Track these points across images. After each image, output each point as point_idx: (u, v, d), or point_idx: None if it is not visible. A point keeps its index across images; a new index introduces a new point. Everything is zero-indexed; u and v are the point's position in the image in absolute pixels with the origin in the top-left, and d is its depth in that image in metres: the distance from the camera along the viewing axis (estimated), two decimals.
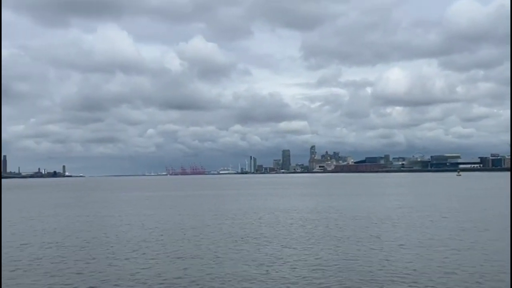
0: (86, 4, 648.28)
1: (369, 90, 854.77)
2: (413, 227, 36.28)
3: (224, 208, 58.46)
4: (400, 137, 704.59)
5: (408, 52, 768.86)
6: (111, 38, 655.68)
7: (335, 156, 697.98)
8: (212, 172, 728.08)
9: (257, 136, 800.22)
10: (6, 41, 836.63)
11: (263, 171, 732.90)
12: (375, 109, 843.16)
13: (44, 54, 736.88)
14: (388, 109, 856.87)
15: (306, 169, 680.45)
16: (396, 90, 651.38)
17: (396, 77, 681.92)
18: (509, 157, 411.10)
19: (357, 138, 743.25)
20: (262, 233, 34.54)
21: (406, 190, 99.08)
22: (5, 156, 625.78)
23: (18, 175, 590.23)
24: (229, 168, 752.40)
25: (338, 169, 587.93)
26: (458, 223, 38.33)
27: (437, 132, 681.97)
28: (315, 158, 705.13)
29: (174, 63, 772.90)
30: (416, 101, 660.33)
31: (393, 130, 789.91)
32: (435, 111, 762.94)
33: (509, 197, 62.32)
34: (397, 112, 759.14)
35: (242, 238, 32.32)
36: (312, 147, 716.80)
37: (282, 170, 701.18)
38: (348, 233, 33.43)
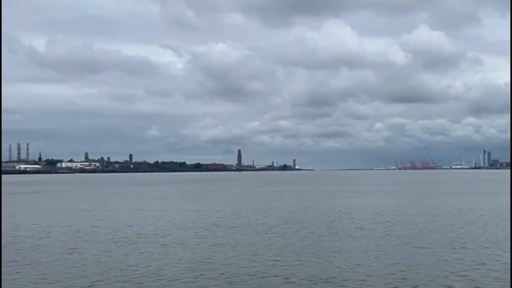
0: (310, 3, 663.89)
1: None
2: None
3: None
4: None
5: None
6: (335, 34, 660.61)
7: None
8: (443, 167, 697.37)
9: (493, 129, 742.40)
10: (238, 43, 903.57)
11: (498, 166, 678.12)
12: None
13: (272, 54, 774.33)
14: None
15: None
16: None
17: None
18: None
19: None
20: None
21: None
22: (239, 150, 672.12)
23: (252, 168, 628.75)
24: (462, 163, 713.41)
25: None
26: None
27: None
28: None
29: (398, 55, 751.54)
30: None
31: None
32: None
33: None
34: None
35: None
36: None
37: None
38: None
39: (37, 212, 48.98)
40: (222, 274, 20.27)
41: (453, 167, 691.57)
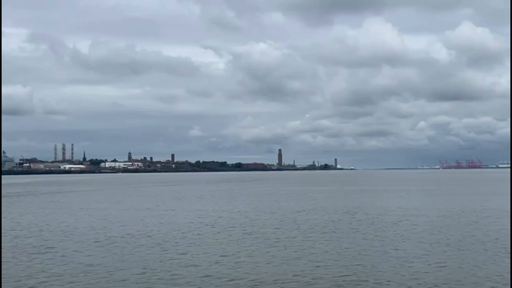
0: (350, 1, 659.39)
1: None
2: None
3: None
4: None
5: None
6: (376, 32, 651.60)
7: None
8: (490, 166, 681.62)
9: None
10: (278, 43, 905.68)
11: None
12: None
13: (312, 53, 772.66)
14: None
15: None
16: None
17: None
18: None
19: None
20: None
21: None
22: (280, 150, 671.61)
23: (293, 168, 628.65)
24: (508, 162, 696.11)
25: None
26: None
27: None
28: None
29: (441, 52, 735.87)
30: None
31: None
32: None
33: None
34: None
35: None
36: None
37: None
38: None
39: (44, 212, 49.99)
40: (173, 275, 20.24)
41: (500, 166, 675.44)
